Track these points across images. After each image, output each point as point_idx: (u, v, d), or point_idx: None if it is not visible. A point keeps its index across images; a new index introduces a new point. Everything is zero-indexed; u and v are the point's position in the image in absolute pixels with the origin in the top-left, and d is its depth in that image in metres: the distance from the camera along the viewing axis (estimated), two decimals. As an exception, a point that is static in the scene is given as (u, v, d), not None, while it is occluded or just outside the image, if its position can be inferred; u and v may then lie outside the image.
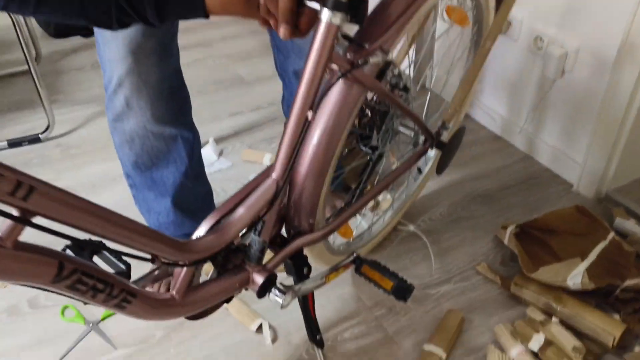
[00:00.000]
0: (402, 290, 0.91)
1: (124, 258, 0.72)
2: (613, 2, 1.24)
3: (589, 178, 1.43)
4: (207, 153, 1.59)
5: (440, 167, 1.12)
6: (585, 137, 1.42)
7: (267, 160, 1.57)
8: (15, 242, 0.51)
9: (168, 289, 0.73)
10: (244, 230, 0.78)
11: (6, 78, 2.02)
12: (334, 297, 1.19)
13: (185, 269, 0.71)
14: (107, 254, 0.73)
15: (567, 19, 1.36)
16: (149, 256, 0.62)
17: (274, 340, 1.10)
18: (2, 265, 0.49)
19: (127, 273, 0.66)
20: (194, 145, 1.10)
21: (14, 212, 0.50)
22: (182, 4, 0.63)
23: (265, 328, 1.11)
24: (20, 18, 1.75)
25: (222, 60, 2.13)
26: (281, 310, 1.15)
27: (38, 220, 0.51)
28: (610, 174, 1.41)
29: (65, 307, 1.15)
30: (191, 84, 1.08)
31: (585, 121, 1.41)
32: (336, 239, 1.21)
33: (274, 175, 0.78)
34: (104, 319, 1.14)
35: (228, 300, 0.88)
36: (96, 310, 1.15)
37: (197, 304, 0.75)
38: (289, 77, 1.17)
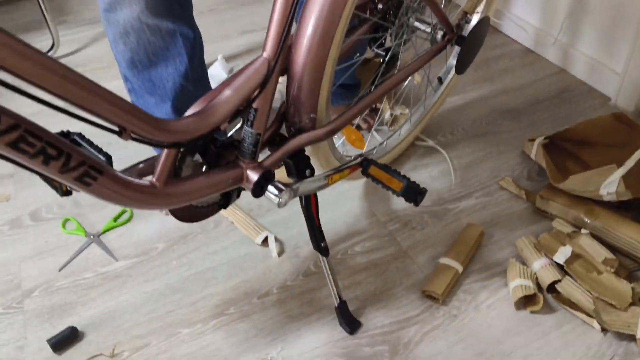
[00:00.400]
0: (413, 192, 0.83)
1: (99, 146, 0.66)
2: None
3: (630, 90, 1.30)
4: (216, 70, 1.51)
5: (461, 66, 1.01)
6: (626, 45, 1.28)
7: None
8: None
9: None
10: (232, 116, 0.70)
11: (14, 1, 1.96)
12: (344, 211, 1.12)
13: (165, 152, 0.64)
14: (82, 142, 0.67)
15: None
16: (115, 128, 0.55)
17: (280, 253, 1.05)
18: None
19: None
20: (194, 45, 1.01)
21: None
22: None
23: (271, 241, 1.06)
24: None
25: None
26: (289, 225, 1.10)
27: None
28: (654, 83, 1.27)
29: (66, 220, 1.12)
30: (200, 2, 0.99)
31: (626, 28, 1.27)
32: (347, 151, 1.13)
33: (265, 54, 0.69)
34: (105, 231, 1.10)
35: (224, 205, 0.82)
36: (98, 224, 1.11)
37: (181, 196, 0.68)
38: None
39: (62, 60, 1.62)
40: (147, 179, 0.65)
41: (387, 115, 1.30)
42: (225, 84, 0.69)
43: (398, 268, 1.01)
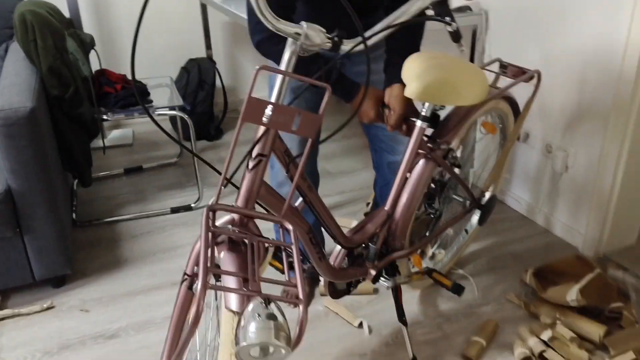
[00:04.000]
0: (457, 288, 1.49)
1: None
2: (594, 125, 1.89)
3: (590, 243, 2.00)
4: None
5: (481, 221, 1.73)
6: (585, 214, 2.01)
7: (354, 224, 2.21)
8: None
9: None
10: (367, 241, 1.41)
11: (159, 167, 2.79)
12: (411, 305, 1.76)
13: (342, 250, 1.33)
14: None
15: (567, 132, 2.01)
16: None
17: (369, 332, 1.67)
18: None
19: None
20: None
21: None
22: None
23: (365, 324, 1.69)
24: (180, 125, 2.54)
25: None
26: (375, 314, 1.72)
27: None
28: (605, 240, 1.97)
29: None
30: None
31: (584, 202, 2.01)
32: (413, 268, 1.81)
33: (386, 208, 1.42)
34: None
35: (353, 285, 1.49)
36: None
37: (341, 276, 1.36)
38: (382, 168, 1.80)
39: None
40: (332, 264, 1.33)
41: (429, 252, 1.99)
42: (365, 222, 1.41)
43: (445, 344, 1.63)
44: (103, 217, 2.31)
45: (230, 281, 0.85)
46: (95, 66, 2.44)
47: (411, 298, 1.82)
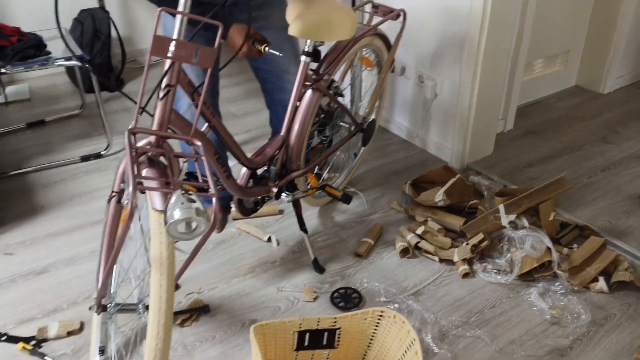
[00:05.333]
0: (346, 197, 1.79)
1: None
2: (454, 56, 2.23)
3: (456, 157, 2.38)
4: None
5: (364, 142, 2.03)
6: (452, 132, 2.38)
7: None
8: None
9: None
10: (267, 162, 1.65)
11: (62, 120, 2.83)
12: (311, 224, 2.05)
13: (246, 170, 1.57)
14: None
15: (434, 63, 2.34)
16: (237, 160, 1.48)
17: (277, 244, 1.95)
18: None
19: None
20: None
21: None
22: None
23: (273, 238, 1.96)
24: (79, 76, 2.59)
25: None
26: (281, 230, 1.99)
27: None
28: (467, 152, 2.36)
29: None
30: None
31: (451, 123, 2.38)
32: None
33: (281, 133, 1.66)
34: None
35: (258, 204, 1.74)
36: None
37: (247, 193, 1.60)
38: (275, 105, 2.00)
39: (115, 156, 2.50)
40: (240, 182, 1.57)
41: (324, 174, 2.28)
42: (266, 146, 1.65)
43: (341, 246, 1.94)
44: (12, 170, 2.37)
45: (154, 192, 1.05)
46: (-16, 20, 2.41)
47: (312, 214, 2.10)
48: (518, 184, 2.24)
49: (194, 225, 0.94)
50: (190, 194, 0.93)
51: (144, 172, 1.10)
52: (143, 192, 1.02)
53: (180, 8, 1.13)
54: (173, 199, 0.93)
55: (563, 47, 2.89)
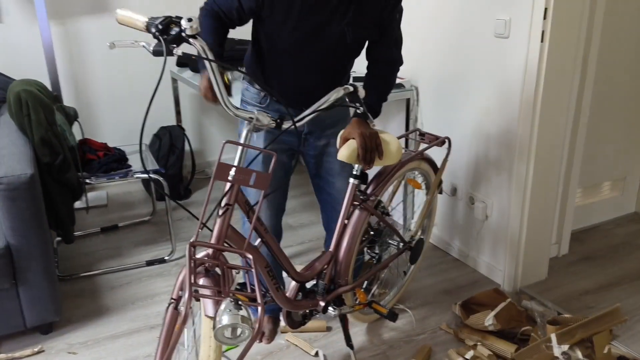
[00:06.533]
0: (392, 315, 1.81)
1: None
2: (502, 178, 2.30)
3: (508, 279, 2.36)
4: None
5: (412, 259, 2.07)
6: (503, 254, 2.38)
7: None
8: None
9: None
10: (316, 276, 1.73)
11: (133, 225, 3.06)
12: (360, 336, 2.06)
13: (295, 284, 1.64)
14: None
15: (484, 185, 2.42)
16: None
17: (324, 359, 1.96)
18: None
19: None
20: None
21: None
22: None
23: (320, 352, 1.97)
24: (152, 186, 2.84)
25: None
26: (329, 345, 2.01)
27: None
28: (519, 276, 2.34)
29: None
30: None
31: (502, 244, 2.39)
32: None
33: (330, 249, 1.75)
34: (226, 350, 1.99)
35: (306, 317, 1.79)
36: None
37: (295, 306, 1.66)
38: (331, 227, 2.11)
39: (177, 261, 2.66)
40: (289, 295, 1.64)
41: (373, 290, 2.31)
42: (314, 262, 1.73)
43: (386, 364, 1.93)
44: (84, 271, 2.56)
45: (207, 299, 1.15)
46: (78, 136, 2.75)
47: (359, 330, 2.12)
48: (573, 311, 2.18)
49: (239, 331, 1.01)
50: (239, 303, 1.02)
51: (200, 281, 1.20)
52: (198, 300, 1.11)
53: (242, 140, 1.30)
54: (222, 306, 1.02)
55: (619, 173, 2.90)
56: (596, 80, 2.51)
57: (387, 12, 1.59)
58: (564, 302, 2.26)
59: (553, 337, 1.81)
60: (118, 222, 3.07)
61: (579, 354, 1.78)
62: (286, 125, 1.36)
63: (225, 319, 0.99)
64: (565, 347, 1.79)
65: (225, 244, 1.32)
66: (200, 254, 1.26)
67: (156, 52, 1.28)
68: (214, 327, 1.00)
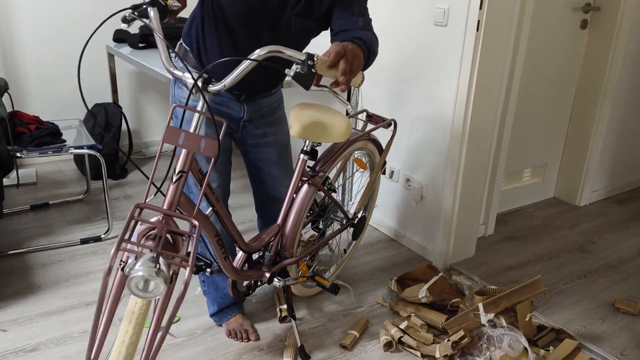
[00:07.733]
0: (334, 288, 1.88)
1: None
2: (438, 161, 2.43)
3: (440, 257, 2.50)
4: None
5: (354, 236, 2.15)
6: (436, 233, 2.52)
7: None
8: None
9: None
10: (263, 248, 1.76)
11: (65, 204, 2.95)
12: (302, 309, 2.12)
13: (243, 254, 1.67)
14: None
15: (420, 168, 2.54)
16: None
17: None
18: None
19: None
20: None
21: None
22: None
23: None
24: (87, 164, 2.75)
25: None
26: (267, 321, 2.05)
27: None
28: (450, 253, 2.49)
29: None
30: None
31: (435, 225, 2.52)
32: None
33: (278, 222, 1.79)
34: (167, 323, 1.99)
35: (251, 288, 1.82)
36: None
37: (242, 276, 1.69)
38: (265, 207, 2.11)
39: (113, 240, 2.60)
40: (236, 265, 1.67)
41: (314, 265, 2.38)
42: (262, 233, 1.77)
43: (328, 336, 2.00)
44: (12, 249, 2.45)
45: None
46: (8, 108, 2.62)
47: (301, 303, 2.18)
48: (498, 285, 2.35)
49: (152, 285, 1.04)
50: (158, 258, 1.05)
51: (142, 241, 1.21)
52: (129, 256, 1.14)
53: (199, 108, 1.31)
54: (141, 260, 1.05)
55: (541, 160, 3.12)
56: (523, 71, 2.69)
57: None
58: (490, 277, 2.43)
59: (480, 306, 1.95)
60: (49, 200, 2.95)
61: (503, 321, 1.93)
62: (214, 86, 1.28)
63: (139, 271, 1.02)
64: (491, 316, 1.94)
65: (177, 211, 1.33)
66: (153, 219, 1.26)
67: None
68: (128, 278, 1.03)
